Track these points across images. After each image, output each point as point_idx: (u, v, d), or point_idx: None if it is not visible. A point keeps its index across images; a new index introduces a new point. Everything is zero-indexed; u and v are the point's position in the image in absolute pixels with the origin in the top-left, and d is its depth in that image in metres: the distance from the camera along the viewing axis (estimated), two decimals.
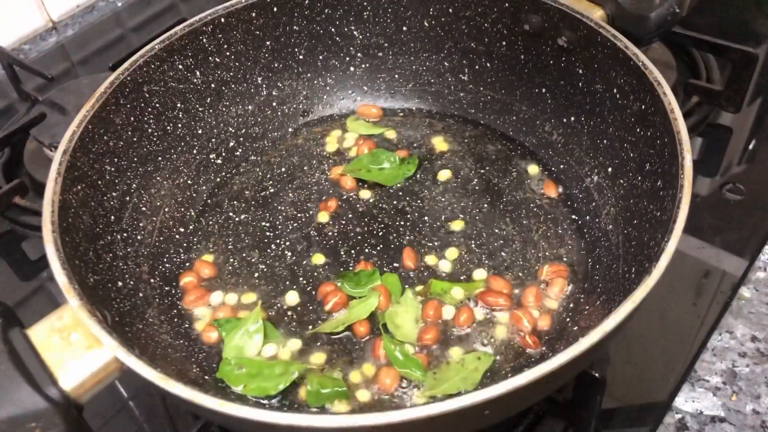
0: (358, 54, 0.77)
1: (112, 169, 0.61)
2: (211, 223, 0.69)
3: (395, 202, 0.69)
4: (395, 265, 0.63)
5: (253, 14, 0.70)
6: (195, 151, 0.71)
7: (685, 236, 0.48)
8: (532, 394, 0.47)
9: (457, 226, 0.66)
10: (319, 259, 0.64)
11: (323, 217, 0.68)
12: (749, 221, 0.69)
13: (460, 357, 0.56)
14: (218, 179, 0.72)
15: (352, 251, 0.65)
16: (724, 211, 0.71)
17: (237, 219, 0.69)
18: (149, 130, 0.66)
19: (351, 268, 0.63)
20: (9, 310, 0.47)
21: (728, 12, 0.95)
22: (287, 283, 0.63)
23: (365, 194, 0.70)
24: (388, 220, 0.67)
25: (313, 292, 0.62)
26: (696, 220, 0.69)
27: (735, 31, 0.92)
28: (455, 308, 0.59)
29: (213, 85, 0.71)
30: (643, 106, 0.58)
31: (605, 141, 0.64)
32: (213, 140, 0.72)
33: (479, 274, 0.62)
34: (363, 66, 0.77)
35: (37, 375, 0.43)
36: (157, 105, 0.66)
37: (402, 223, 0.67)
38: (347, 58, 0.77)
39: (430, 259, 0.63)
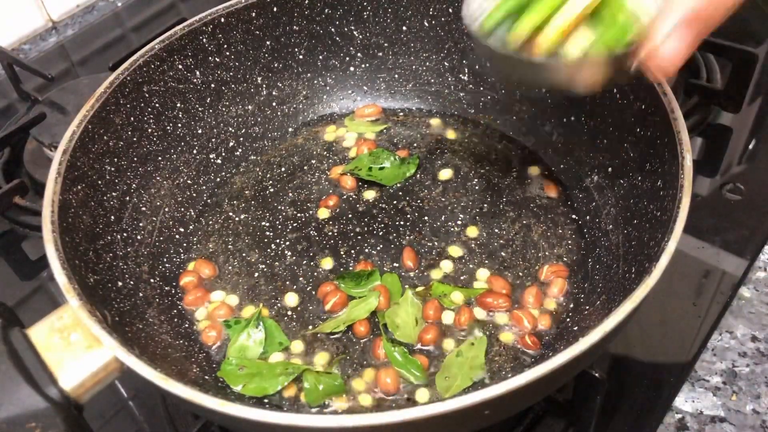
0: (358, 54, 0.77)
1: (112, 169, 0.61)
2: (211, 223, 0.69)
3: (395, 202, 0.69)
4: (395, 265, 0.63)
5: (253, 14, 0.70)
6: (195, 151, 0.71)
7: (685, 236, 0.48)
8: (532, 394, 0.47)
9: (472, 232, 0.65)
10: (327, 263, 0.64)
11: (323, 213, 0.68)
12: (749, 221, 0.69)
13: (457, 350, 0.56)
14: (218, 179, 0.72)
15: (352, 251, 0.65)
16: (724, 211, 0.71)
17: (237, 219, 0.69)
18: (149, 130, 0.66)
19: (351, 268, 0.63)
20: (9, 310, 0.47)
21: None
22: (287, 283, 0.63)
23: (365, 194, 0.70)
24: (388, 220, 0.67)
25: (313, 292, 0.62)
26: (696, 220, 0.69)
27: (735, 31, 0.92)
28: (454, 312, 0.59)
29: (213, 85, 0.71)
30: (643, 106, 0.58)
31: (605, 141, 0.64)
32: (213, 140, 0.72)
33: (482, 274, 0.62)
34: (363, 66, 0.77)
35: (37, 375, 0.43)
36: (157, 105, 0.66)
37: (402, 223, 0.67)
38: (347, 58, 0.77)
39: (435, 273, 0.62)
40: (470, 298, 0.60)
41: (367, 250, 0.65)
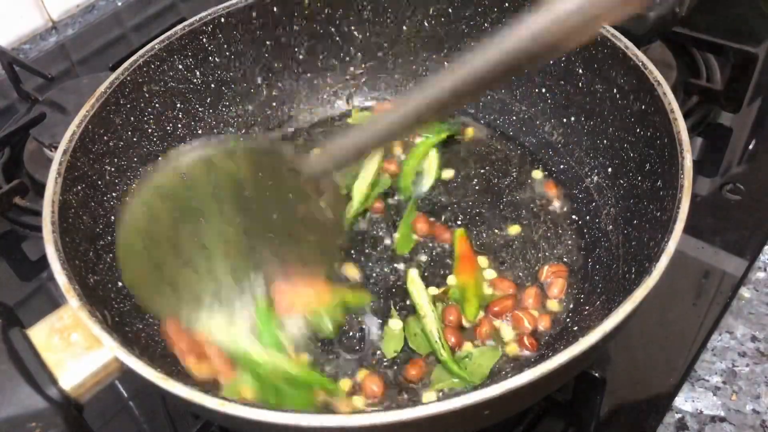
0: (358, 54, 0.77)
1: (112, 169, 0.61)
2: None
3: (396, 203, 0.69)
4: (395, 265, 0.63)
5: (253, 14, 0.70)
6: None
7: (685, 236, 0.48)
8: (532, 394, 0.47)
9: (513, 230, 0.65)
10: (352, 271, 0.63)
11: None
12: (749, 221, 0.69)
13: (467, 352, 0.56)
14: None
15: (352, 251, 0.65)
16: (724, 211, 0.71)
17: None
18: (149, 130, 0.66)
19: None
20: (9, 310, 0.47)
21: (728, 12, 0.95)
22: None
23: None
24: (389, 221, 0.67)
25: None
26: (696, 220, 0.69)
27: (735, 31, 0.92)
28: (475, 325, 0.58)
29: (213, 85, 0.71)
30: (643, 106, 0.58)
31: (605, 141, 0.64)
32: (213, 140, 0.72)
33: (488, 274, 0.62)
34: (363, 66, 0.77)
35: (37, 375, 0.43)
36: (157, 105, 0.66)
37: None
38: (347, 58, 0.77)
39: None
40: (484, 303, 0.59)
41: (367, 251, 0.65)
